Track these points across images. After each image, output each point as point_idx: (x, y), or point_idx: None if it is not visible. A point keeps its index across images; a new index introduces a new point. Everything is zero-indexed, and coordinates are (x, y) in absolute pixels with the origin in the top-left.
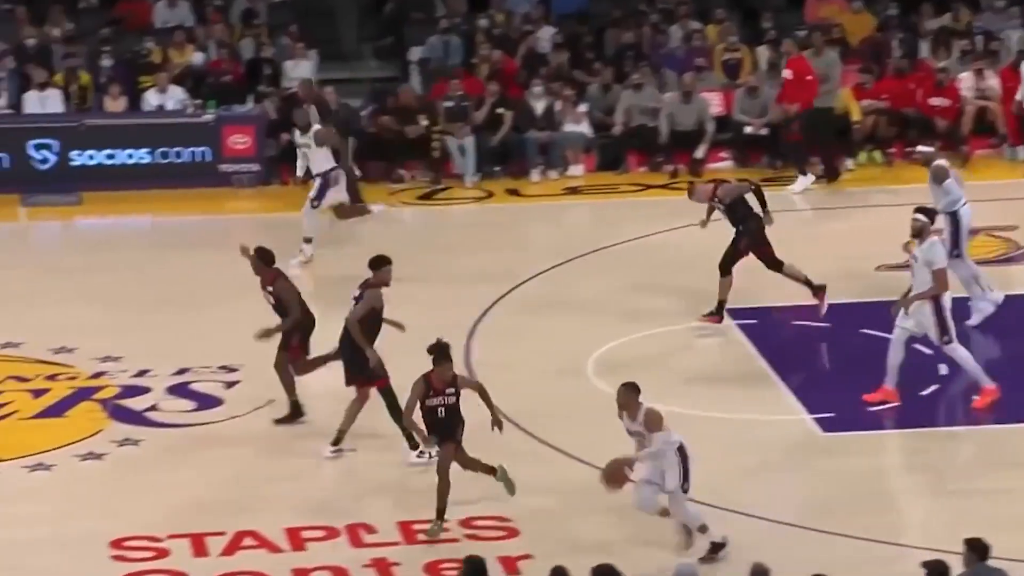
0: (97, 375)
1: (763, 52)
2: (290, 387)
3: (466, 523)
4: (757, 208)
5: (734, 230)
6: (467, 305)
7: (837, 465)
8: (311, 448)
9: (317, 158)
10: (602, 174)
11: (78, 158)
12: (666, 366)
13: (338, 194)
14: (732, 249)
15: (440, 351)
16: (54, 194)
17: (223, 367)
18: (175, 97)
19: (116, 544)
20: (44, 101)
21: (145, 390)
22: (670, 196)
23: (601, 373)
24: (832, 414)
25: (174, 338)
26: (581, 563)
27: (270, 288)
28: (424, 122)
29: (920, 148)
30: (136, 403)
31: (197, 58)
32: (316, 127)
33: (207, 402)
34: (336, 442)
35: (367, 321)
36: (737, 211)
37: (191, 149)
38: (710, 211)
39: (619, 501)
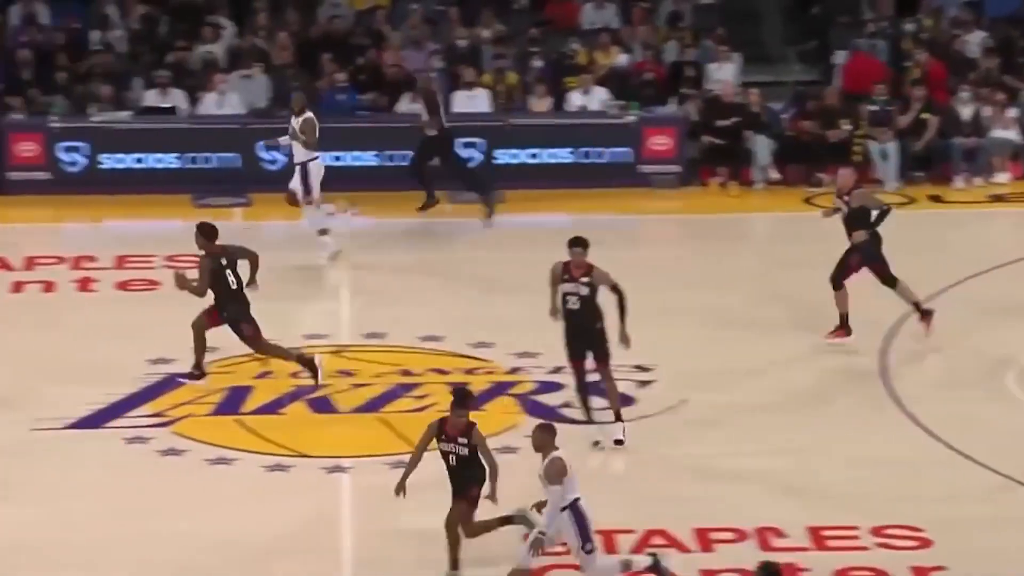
0: (514, 370)
1: None
2: (201, 351)
3: (877, 531)
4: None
5: (849, 238)
6: (881, 310)
7: None
8: (708, 450)
9: (300, 146)
10: None
11: (502, 157)
12: None
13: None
14: (843, 264)
15: (458, 397)
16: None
17: (637, 366)
18: (598, 98)
19: (527, 537)
20: (472, 100)
21: (559, 386)
22: None
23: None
24: None
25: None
26: None
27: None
28: (846, 126)
29: None
30: (551, 399)
31: (621, 60)
32: (307, 115)
33: (620, 400)
34: (618, 418)
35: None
36: (856, 220)
37: (612, 149)
38: (836, 209)
39: None
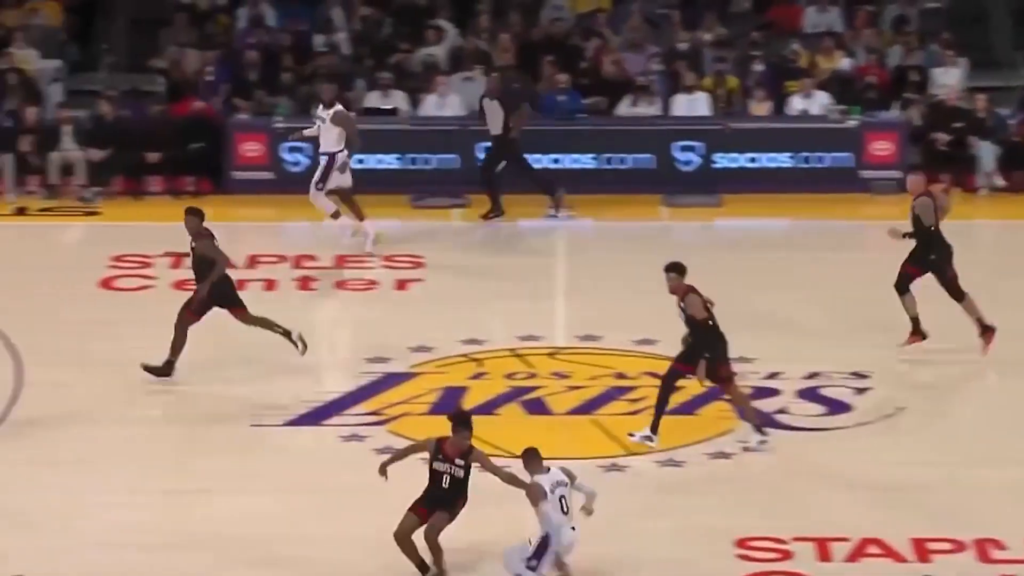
0: None
1: None
2: (178, 348)
3: None
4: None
5: (916, 246)
6: None
7: None
8: (925, 457)
9: (329, 137)
10: None
11: (721, 160)
12: None
13: (343, 179)
14: (943, 279)
15: (460, 418)
16: (696, 195)
17: (855, 373)
18: (819, 102)
19: (741, 543)
20: (691, 104)
21: (775, 392)
22: None
23: None
24: None
25: (807, 341)
26: None
27: (193, 245)
28: None
29: None
30: (766, 405)
31: (844, 64)
32: (338, 107)
33: (837, 408)
34: (759, 429)
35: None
36: (916, 227)
37: (833, 154)
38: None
39: None
